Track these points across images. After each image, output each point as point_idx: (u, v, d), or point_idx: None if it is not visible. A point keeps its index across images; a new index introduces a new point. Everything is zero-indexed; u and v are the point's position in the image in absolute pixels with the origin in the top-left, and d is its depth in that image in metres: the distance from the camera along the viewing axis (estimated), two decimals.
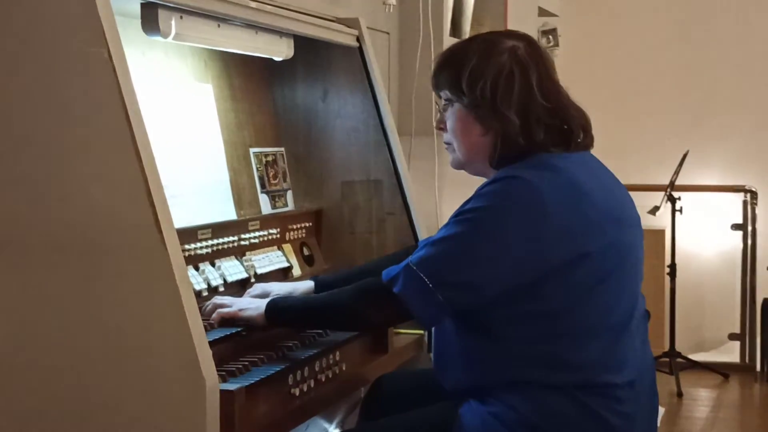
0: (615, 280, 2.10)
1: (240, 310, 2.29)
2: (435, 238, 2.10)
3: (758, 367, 6.07)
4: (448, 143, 2.24)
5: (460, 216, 2.08)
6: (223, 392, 1.91)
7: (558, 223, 2.03)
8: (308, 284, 2.59)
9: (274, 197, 2.97)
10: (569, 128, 2.16)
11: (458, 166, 2.26)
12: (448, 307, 2.07)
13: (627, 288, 2.14)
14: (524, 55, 2.15)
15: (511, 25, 4.67)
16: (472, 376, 2.15)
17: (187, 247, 2.42)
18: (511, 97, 2.12)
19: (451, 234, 2.07)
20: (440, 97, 2.23)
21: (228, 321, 2.28)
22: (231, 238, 2.63)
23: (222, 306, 2.31)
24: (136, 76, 2.02)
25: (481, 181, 2.25)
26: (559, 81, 2.21)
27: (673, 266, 5.97)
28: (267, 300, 2.31)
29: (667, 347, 5.91)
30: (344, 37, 3.00)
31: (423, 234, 3.05)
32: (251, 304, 2.30)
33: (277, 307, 2.28)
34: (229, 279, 2.56)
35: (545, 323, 2.07)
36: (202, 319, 1.99)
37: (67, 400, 1.93)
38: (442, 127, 2.24)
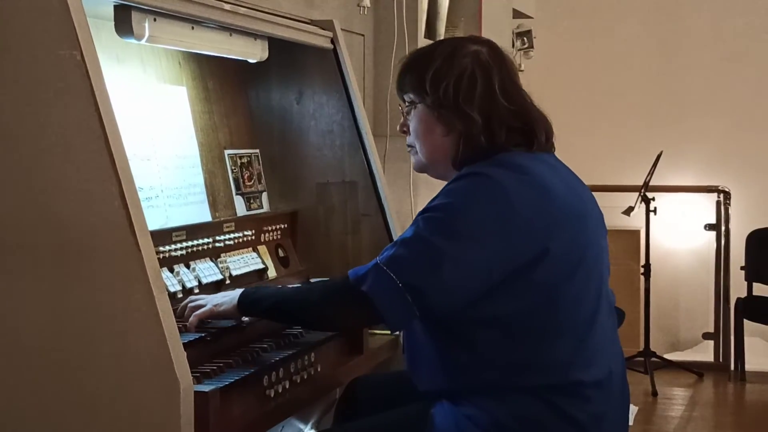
0: (579, 277, 2.11)
1: (215, 305, 2.28)
2: (404, 237, 2.09)
3: (732, 366, 6.12)
4: (410, 146, 2.26)
5: (427, 213, 2.09)
6: (197, 394, 1.91)
7: (523, 219, 2.05)
8: None
9: (249, 199, 2.97)
10: (531, 130, 2.18)
11: (421, 168, 2.28)
12: (416, 309, 2.06)
13: (591, 284, 2.15)
14: (487, 59, 2.18)
15: (486, 27, 4.68)
16: (444, 379, 2.16)
17: (161, 248, 2.42)
18: (473, 97, 2.15)
19: (420, 234, 2.07)
20: (404, 100, 2.25)
21: (205, 321, 2.28)
22: (206, 240, 2.63)
23: (197, 307, 2.31)
24: (110, 79, 2.02)
25: None
26: (521, 85, 2.24)
27: (647, 266, 6.00)
28: (239, 291, 2.31)
29: (641, 347, 5.95)
30: (319, 39, 3.01)
31: (398, 235, 3.06)
32: (224, 298, 2.30)
33: (250, 299, 2.27)
34: (204, 281, 2.56)
35: (513, 325, 2.08)
36: (177, 321, 1.99)
37: (41, 401, 1.92)
38: (405, 130, 2.26)
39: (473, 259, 2.04)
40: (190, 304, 2.33)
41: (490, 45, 2.24)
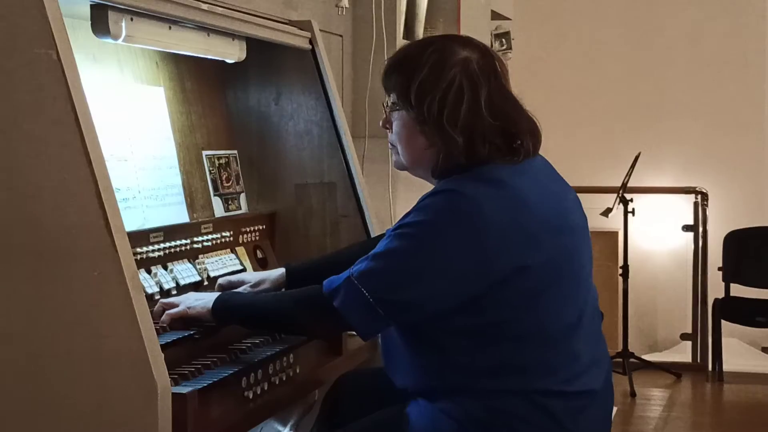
0: (557, 289, 2.10)
1: (188, 308, 2.28)
2: (377, 252, 2.09)
3: (709, 367, 6.14)
4: (393, 145, 2.24)
5: (401, 229, 2.08)
6: (175, 396, 1.90)
7: (496, 237, 2.03)
8: (279, 272, 2.57)
9: (227, 200, 2.96)
10: (518, 142, 2.13)
11: (401, 168, 2.27)
12: (389, 321, 2.10)
13: (571, 294, 2.14)
14: (476, 70, 2.11)
15: (464, 29, 4.68)
16: (418, 378, 2.18)
17: (139, 250, 2.40)
18: (458, 116, 2.09)
19: (393, 248, 2.07)
20: (388, 95, 2.21)
21: (178, 321, 2.27)
22: (184, 241, 2.62)
23: (170, 306, 2.30)
24: (86, 79, 2.00)
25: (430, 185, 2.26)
26: (511, 92, 2.18)
27: (625, 267, 6.02)
28: (215, 295, 2.31)
29: (620, 348, 5.96)
30: (297, 40, 3.00)
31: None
32: (198, 301, 2.29)
33: (225, 306, 2.27)
34: (182, 282, 2.55)
35: (488, 334, 2.08)
36: (154, 322, 1.98)
37: (17, 403, 1.91)
38: (388, 127, 2.23)
39: (445, 276, 2.04)
40: (163, 301, 2.34)
41: (482, 51, 2.16)
